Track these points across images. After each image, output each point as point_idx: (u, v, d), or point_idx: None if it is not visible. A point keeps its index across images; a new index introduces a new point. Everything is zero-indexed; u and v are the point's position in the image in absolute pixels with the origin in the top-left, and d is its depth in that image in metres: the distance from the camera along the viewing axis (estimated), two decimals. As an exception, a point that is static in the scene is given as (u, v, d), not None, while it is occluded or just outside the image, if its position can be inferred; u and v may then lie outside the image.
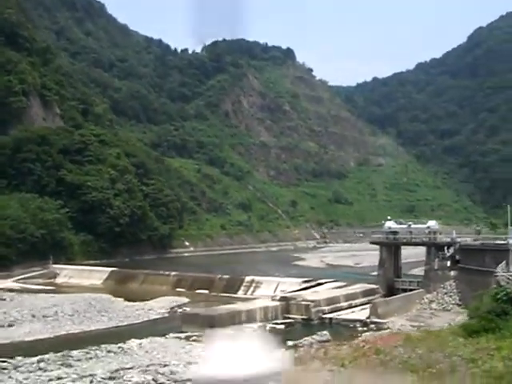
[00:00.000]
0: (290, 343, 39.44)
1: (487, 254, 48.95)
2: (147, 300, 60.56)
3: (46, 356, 34.75)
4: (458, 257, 54.69)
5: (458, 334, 30.71)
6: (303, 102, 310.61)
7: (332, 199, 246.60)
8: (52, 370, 32.21)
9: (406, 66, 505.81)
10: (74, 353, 35.75)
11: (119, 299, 60.61)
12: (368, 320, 46.67)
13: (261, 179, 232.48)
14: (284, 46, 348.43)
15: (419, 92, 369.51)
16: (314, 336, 39.87)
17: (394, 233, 62.28)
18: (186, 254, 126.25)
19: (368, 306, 52.95)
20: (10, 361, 33.92)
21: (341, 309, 51.40)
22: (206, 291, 67.77)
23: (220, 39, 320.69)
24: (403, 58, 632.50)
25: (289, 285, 63.79)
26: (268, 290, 64.07)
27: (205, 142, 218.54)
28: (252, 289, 66.12)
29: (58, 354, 35.26)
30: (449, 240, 57.85)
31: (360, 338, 35.96)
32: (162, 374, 30.96)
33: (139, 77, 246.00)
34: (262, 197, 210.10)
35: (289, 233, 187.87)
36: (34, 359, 34.17)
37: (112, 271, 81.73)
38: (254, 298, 59.64)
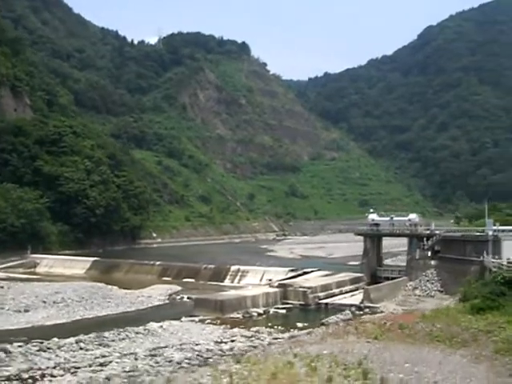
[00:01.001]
0: (299, 325, 42.83)
1: (468, 245, 53.41)
2: (138, 288, 62.74)
3: (81, 337, 37.00)
4: (437, 247, 59.05)
5: (464, 312, 34.64)
6: (258, 95, 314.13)
7: (288, 193, 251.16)
8: (93, 350, 34.53)
9: (358, 62, 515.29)
10: (106, 334, 38.13)
11: (115, 287, 62.43)
12: (362, 305, 50.28)
13: (219, 172, 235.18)
14: (239, 40, 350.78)
15: (371, 88, 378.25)
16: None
17: (377, 225, 66.34)
18: (155, 245, 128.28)
19: (356, 292, 57.12)
20: (49, 341, 36.03)
21: (333, 295, 54.92)
22: (193, 280, 70.22)
23: (176, 31, 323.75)
24: (355, 53, 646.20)
25: (274, 273, 66.84)
26: (254, 278, 67.31)
27: (163, 135, 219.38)
28: (238, 277, 69.06)
29: (91, 336, 37.54)
30: (429, 232, 62.37)
31: (379, 317, 39.52)
32: (199, 351, 33.66)
33: (97, 68, 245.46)
34: (220, 189, 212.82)
35: (249, 225, 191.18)
36: (71, 340, 36.28)
37: (94, 261, 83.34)
38: (242, 286, 62.71)
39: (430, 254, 59.01)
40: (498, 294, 34.33)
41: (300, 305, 51.62)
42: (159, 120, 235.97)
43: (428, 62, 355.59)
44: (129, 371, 29.06)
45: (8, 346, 34.19)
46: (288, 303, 51.92)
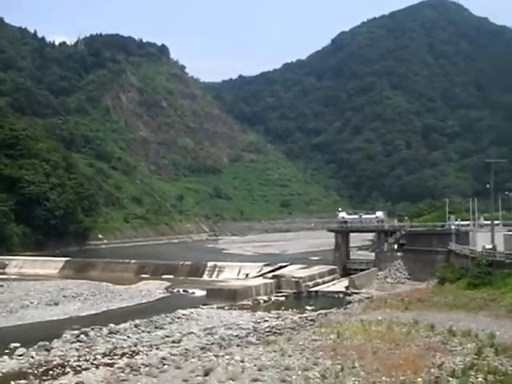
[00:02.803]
0: (308, 308, 49.55)
1: (434, 238, 62.02)
2: (123, 285, 66.62)
3: (136, 322, 42.08)
4: (402, 241, 67.46)
5: (462, 288, 42.42)
6: (178, 98, 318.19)
7: (213, 194, 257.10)
8: (153, 331, 39.51)
9: (273, 66, 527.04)
10: (154, 319, 43.36)
11: (110, 284, 66.31)
12: (349, 291, 57.60)
13: (146, 174, 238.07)
14: (158, 43, 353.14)
15: (286, 91, 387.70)
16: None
17: (346, 222, 74.12)
18: (103, 246, 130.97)
19: (335, 281, 64.84)
20: (107, 327, 40.57)
21: (318, 284, 62.02)
22: (171, 276, 74.57)
23: (95, 33, 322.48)
24: (269, 57, 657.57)
25: (250, 268, 73.02)
26: (232, 273, 72.96)
27: (90, 137, 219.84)
28: (216, 273, 74.51)
29: (142, 321, 42.65)
30: (393, 228, 70.86)
31: (395, 293, 46.92)
32: (249, 329, 39.54)
33: (18, 69, 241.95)
34: (150, 191, 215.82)
35: (182, 226, 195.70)
36: (128, 325, 41.16)
37: (67, 261, 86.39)
38: (220, 281, 68.69)
39: (396, 246, 67.25)
40: (486, 273, 42.42)
41: (294, 293, 58.21)
42: (85, 122, 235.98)
43: (341, 67, 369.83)
44: (211, 343, 34.56)
45: (86, 330, 39.02)
46: (282, 292, 58.40)
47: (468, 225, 62.38)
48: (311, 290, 59.31)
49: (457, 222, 61.80)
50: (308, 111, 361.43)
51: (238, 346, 31.31)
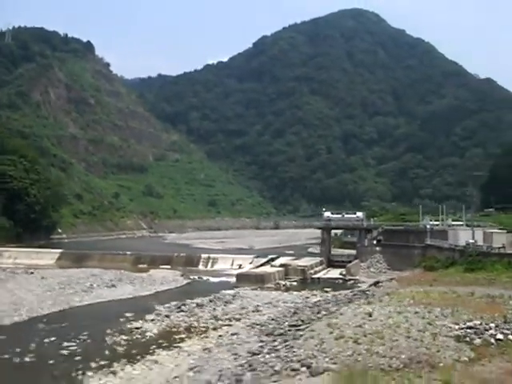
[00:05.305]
0: (327, 289, 60.25)
1: (411, 235, 74.68)
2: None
3: (207, 298, 51.45)
4: (380, 237, 79.79)
5: (460, 272, 54.34)
6: (104, 96, 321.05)
7: (146, 192, 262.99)
8: (228, 305, 48.50)
9: (194, 66, 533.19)
10: (218, 296, 52.86)
11: (126, 272, 74.04)
12: (346, 277, 69.17)
13: (81, 171, 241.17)
14: (83, 39, 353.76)
15: (208, 92, 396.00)
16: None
17: (330, 220, 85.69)
18: (66, 240, 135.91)
19: (325, 270, 76.20)
20: (184, 302, 49.64)
21: (316, 272, 73.14)
22: (168, 266, 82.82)
23: (17, 25, 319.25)
24: (190, 57, 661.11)
25: (242, 260, 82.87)
26: (225, 264, 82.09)
27: (26, 133, 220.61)
28: (211, 263, 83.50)
29: (210, 298, 51.90)
30: (371, 226, 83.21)
31: (412, 275, 58.47)
32: (302, 303, 49.70)
33: None
34: (88, 188, 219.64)
35: (124, 223, 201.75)
36: (198, 300, 50.26)
37: (62, 252, 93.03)
38: (216, 270, 78.77)
39: (375, 242, 79.52)
40: (478, 261, 54.77)
41: (300, 279, 68.71)
42: (16, 117, 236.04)
43: (262, 70, 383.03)
44: (293, 312, 44.35)
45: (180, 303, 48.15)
46: (290, 278, 68.80)
47: (438, 224, 75.56)
48: (314, 276, 70.23)
49: (431, 222, 74.94)
50: (230, 113, 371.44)
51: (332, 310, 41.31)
